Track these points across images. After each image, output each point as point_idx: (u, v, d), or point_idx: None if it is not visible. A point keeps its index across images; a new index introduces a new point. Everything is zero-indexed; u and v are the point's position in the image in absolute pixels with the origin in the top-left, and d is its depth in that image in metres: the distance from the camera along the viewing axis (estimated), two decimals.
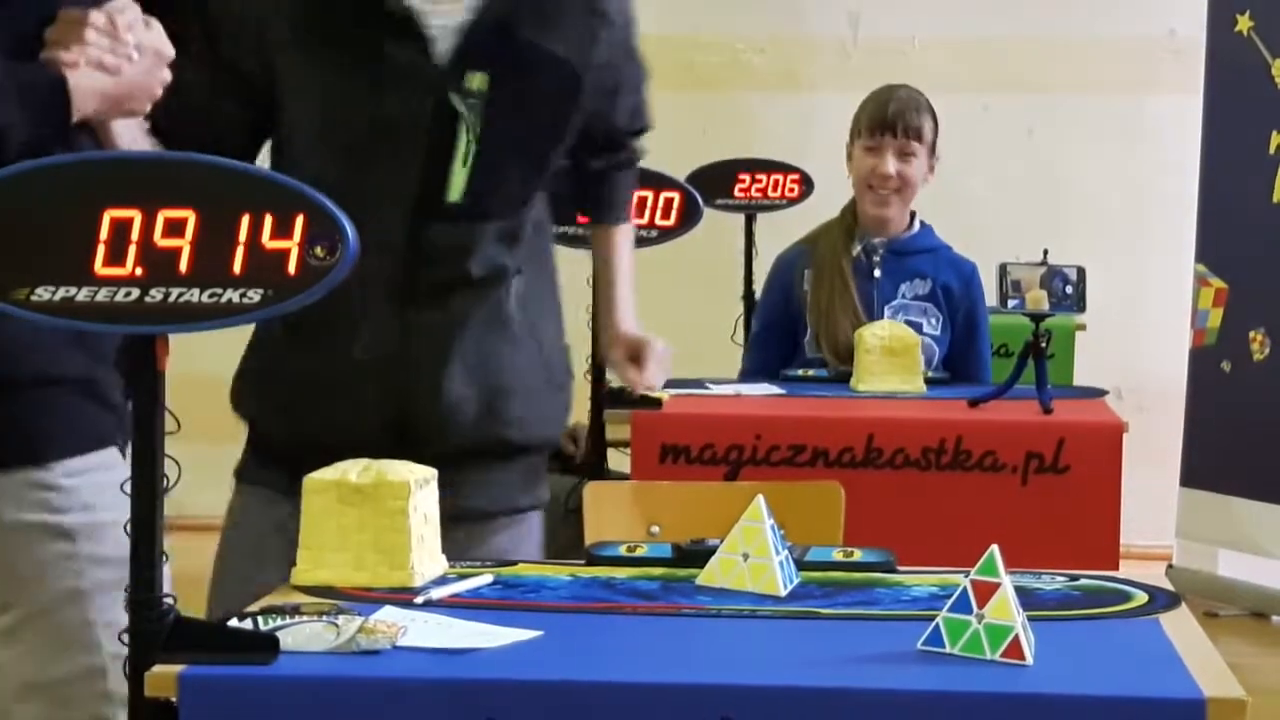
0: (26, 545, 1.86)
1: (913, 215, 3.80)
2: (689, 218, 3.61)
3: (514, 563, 1.99)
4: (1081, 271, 3.33)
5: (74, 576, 1.86)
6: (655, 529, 2.42)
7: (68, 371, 1.87)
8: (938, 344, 3.79)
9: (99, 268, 1.45)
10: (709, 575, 1.84)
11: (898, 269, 3.76)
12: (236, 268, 1.45)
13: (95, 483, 1.86)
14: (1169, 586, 1.91)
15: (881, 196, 3.65)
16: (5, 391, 1.85)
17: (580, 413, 2.89)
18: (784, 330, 3.77)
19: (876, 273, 3.76)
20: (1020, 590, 1.61)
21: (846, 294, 3.72)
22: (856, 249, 3.72)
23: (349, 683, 1.48)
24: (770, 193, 4.15)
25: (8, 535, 1.85)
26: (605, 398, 3.01)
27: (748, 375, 3.74)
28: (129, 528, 1.46)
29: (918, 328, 3.74)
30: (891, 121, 3.66)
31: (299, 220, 1.44)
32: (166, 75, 1.86)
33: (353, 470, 1.77)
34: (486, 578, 1.83)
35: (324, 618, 1.53)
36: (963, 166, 4.69)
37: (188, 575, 1.94)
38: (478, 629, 1.59)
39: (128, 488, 1.52)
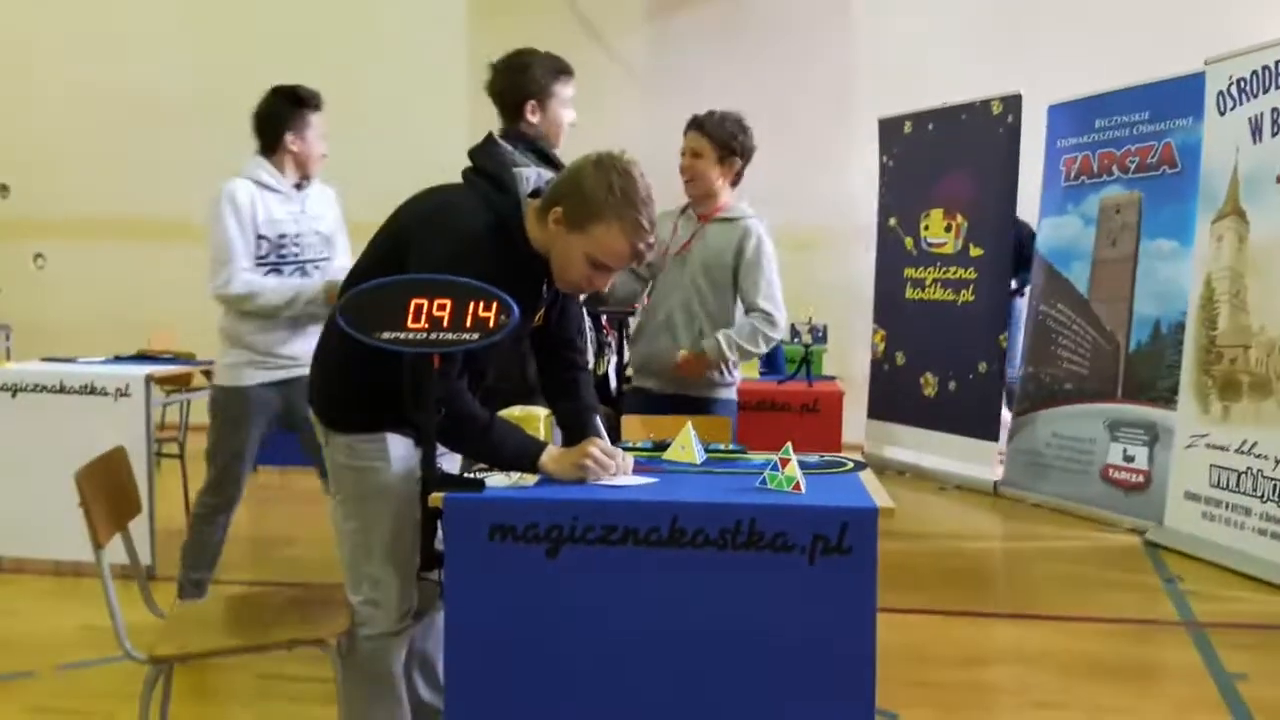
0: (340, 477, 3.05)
1: None
2: None
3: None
4: (825, 327, 5.63)
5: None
6: (653, 436, 3.66)
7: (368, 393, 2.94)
8: None
9: (409, 324, 2.75)
10: (669, 455, 3.12)
11: None
12: (468, 323, 2.75)
13: (368, 450, 2.98)
14: (863, 460, 2.97)
15: None
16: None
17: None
18: None
19: None
20: (800, 463, 2.83)
21: None
22: None
23: (520, 500, 2.69)
24: None
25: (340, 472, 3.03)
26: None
27: None
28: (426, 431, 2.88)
29: None
30: None
31: (495, 304, 2.77)
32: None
33: (512, 411, 3.07)
34: None
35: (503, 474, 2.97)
36: None
37: None
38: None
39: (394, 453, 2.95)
